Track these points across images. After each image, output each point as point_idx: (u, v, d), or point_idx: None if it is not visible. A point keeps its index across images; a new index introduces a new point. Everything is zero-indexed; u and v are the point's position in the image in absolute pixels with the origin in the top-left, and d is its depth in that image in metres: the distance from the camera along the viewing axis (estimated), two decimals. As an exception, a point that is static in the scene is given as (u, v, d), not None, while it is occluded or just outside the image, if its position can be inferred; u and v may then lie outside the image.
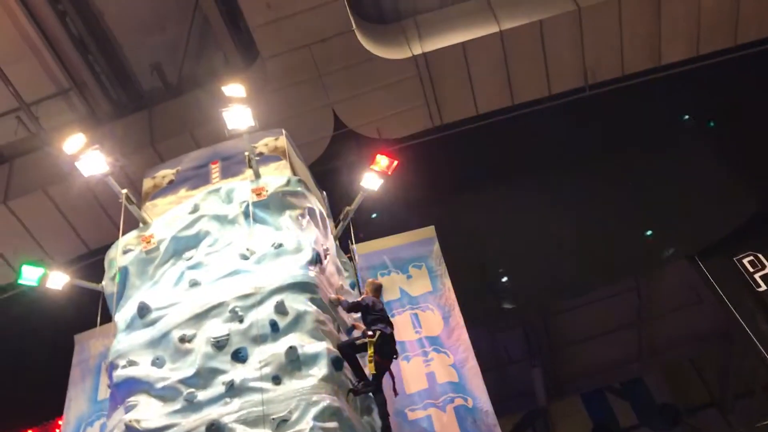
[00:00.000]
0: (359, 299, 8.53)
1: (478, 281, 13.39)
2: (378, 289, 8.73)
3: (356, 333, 8.57)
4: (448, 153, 14.08)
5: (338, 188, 11.75)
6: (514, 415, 18.69)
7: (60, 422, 13.65)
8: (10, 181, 14.51)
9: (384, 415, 7.94)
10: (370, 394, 7.99)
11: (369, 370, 7.77)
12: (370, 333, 7.98)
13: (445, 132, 14.36)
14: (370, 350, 7.81)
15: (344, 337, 8.32)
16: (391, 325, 8.35)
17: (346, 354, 7.88)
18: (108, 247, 13.69)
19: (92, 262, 13.93)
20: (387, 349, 8.09)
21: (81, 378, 10.82)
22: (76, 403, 10.56)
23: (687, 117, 14.56)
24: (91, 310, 11.40)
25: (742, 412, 18.15)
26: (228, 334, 7.76)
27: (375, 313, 8.21)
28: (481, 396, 9.07)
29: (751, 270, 12.75)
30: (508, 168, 14.07)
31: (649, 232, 14.03)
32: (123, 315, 8.63)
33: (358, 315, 8.70)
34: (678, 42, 14.25)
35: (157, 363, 7.93)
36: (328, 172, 13.30)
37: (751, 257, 12.87)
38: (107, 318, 9.95)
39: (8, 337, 14.05)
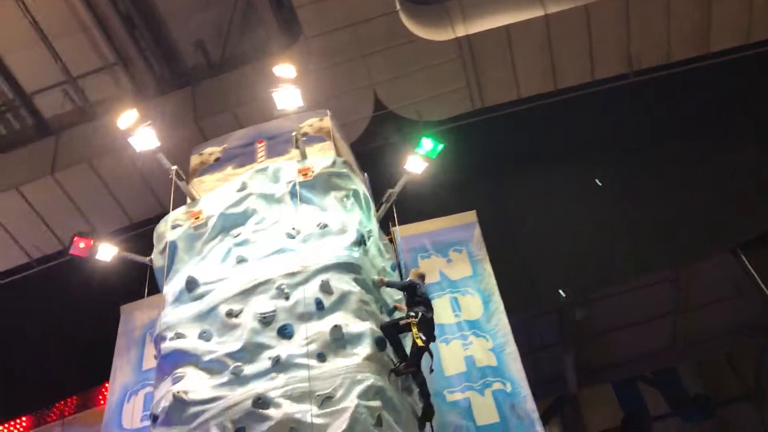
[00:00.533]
0: (409, 280, 8.63)
1: (515, 266, 13.34)
2: (422, 278, 8.86)
3: (398, 314, 8.69)
4: (488, 137, 14.02)
5: (377, 169, 11.80)
6: (544, 400, 18.72)
7: (105, 388, 14.10)
8: (57, 154, 14.82)
9: (425, 395, 8.09)
10: (411, 376, 8.11)
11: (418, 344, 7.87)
12: (412, 314, 8.11)
13: (486, 115, 14.30)
14: (414, 329, 7.93)
15: (386, 318, 8.43)
16: (432, 309, 8.48)
17: (389, 334, 8.02)
18: (151, 220, 14.05)
19: (135, 235, 14.23)
20: (426, 332, 8.22)
21: (126, 348, 11.07)
22: (122, 372, 10.82)
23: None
24: (135, 281, 11.71)
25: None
26: (274, 311, 7.91)
27: (419, 297, 8.32)
28: (521, 381, 9.12)
29: (795, 262, 12.47)
30: (548, 154, 13.97)
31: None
32: (171, 288, 8.85)
33: (400, 296, 8.82)
34: (727, 30, 13.97)
35: (204, 336, 8.12)
36: (366, 153, 13.33)
37: (795, 250, 12.58)
38: (153, 290, 10.22)
39: (54, 305, 14.44)
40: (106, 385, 12.32)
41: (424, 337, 7.88)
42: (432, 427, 8.59)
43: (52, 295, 14.52)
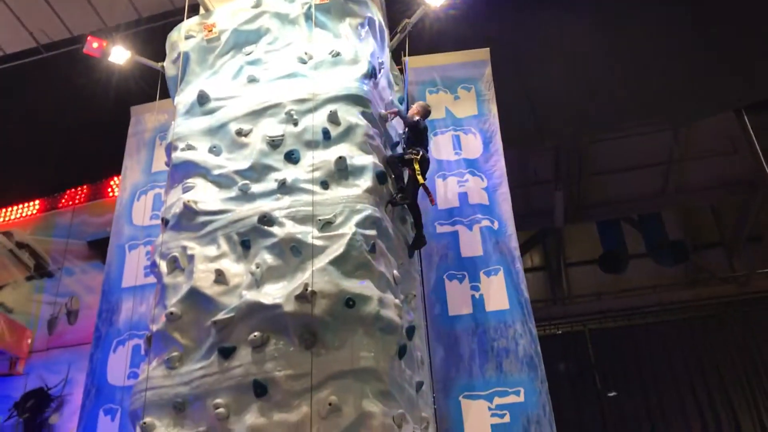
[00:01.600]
0: (416, 120, 8.86)
1: (521, 102, 13.38)
2: (428, 114, 9.08)
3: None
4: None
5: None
6: (530, 230, 19.69)
7: (112, 183, 14.75)
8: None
9: (419, 226, 8.67)
10: (406, 207, 8.64)
11: (419, 180, 8.36)
12: (414, 152, 8.50)
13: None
14: (416, 166, 8.36)
15: (390, 152, 8.75)
16: (427, 149, 8.85)
17: (393, 165, 8.43)
18: (159, 16, 13.78)
19: (144, 30, 14.04)
20: (423, 170, 8.65)
21: (136, 149, 11.44)
22: (132, 172, 11.28)
23: None
24: (143, 82, 11.81)
25: (747, 256, 18.93)
26: (282, 135, 8.18)
27: (420, 137, 8.67)
28: (508, 221, 9.66)
29: (794, 129, 12.55)
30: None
31: None
32: (183, 99, 9.02)
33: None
34: None
35: (214, 151, 8.46)
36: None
37: (798, 116, 12.59)
38: (163, 95, 10.41)
39: (63, 94, 14.57)
40: (116, 178, 12.89)
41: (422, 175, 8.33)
42: (420, 254, 9.30)
43: (61, 84, 14.59)
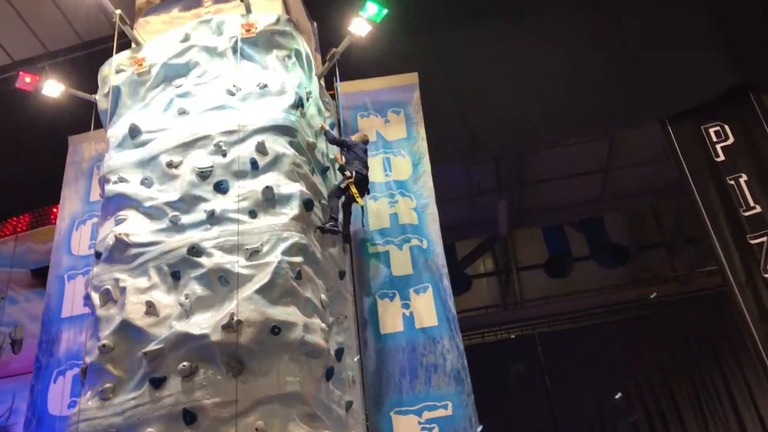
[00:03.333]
0: (346, 139, 9.50)
1: (457, 120, 13.74)
2: (366, 142, 9.67)
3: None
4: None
5: (328, 16, 11.67)
6: (478, 237, 20.18)
7: (54, 210, 14.75)
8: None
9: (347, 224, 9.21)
10: (338, 227, 9.03)
11: (358, 203, 9.03)
12: (348, 174, 8.97)
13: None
14: (353, 188, 8.88)
15: (318, 179, 9.09)
16: (367, 168, 9.29)
17: (332, 197, 8.94)
18: (100, 40, 13.88)
19: (85, 55, 14.10)
20: (360, 188, 9.05)
21: (74, 179, 11.55)
22: (70, 202, 11.40)
23: None
24: (82, 111, 11.89)
25: (686, 257, 19.67)
26: (212, 166, 8.46)
27: (354, 154, 9.12)
28: (436, 240, 10.05)
29: (715, 140, 13.08)
30: (494, 9, 13.71)
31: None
32: (115, 132, 9.24)
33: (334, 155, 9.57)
34: None
35: (146, 183, 8.70)
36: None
37: (718, 128, 13.12)
38: (100, 124, 10.55)
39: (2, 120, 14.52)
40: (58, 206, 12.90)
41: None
42: (353, 275, 9.64)
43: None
